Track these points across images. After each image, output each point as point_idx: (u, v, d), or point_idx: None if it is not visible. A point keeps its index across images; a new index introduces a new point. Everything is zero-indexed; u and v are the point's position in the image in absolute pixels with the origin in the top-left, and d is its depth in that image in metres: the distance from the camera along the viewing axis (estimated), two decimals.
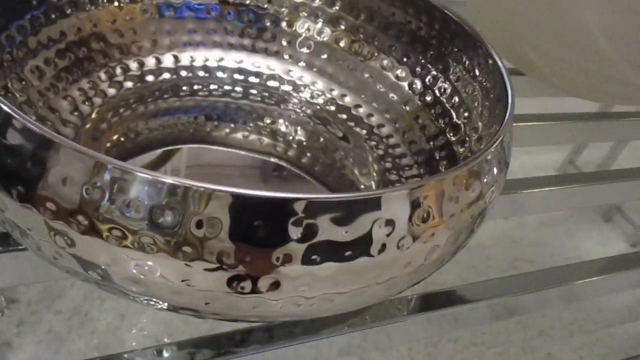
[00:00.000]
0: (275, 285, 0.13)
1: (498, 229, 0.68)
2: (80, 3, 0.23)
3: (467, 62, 0.23)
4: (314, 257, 0.13)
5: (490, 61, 0.20)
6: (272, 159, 0.26)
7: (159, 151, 0.26)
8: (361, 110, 0.26)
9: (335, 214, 0.13)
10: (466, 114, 0.23)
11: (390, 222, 0.13)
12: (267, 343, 0.18)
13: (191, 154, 0.26)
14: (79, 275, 0.13)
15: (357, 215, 0.13)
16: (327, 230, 0.13)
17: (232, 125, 0.27)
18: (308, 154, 0.27)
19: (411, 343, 0.52)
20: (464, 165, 0.15)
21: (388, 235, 0.13)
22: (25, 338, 0.45)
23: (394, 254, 0.14)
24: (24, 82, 0.20)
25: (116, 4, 0.24)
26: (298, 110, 0.27)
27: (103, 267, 0.12)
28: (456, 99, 0.23)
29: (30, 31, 0.21)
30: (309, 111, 0.27)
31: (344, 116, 0.26)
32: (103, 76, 0.24)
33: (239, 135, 0.27)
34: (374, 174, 0.24)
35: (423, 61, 0.25)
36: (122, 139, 0.25)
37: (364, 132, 0.26)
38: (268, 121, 0.27)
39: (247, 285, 0.12)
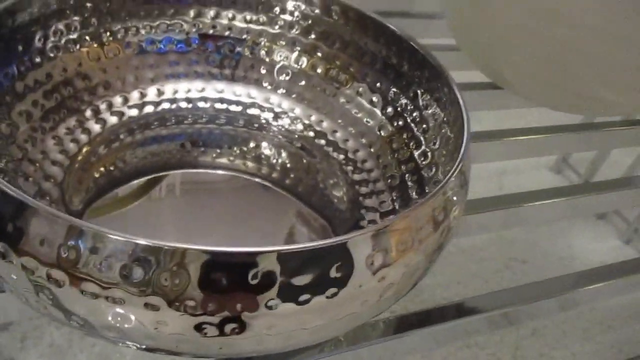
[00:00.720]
0: (241, 328, 0.14)
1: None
2: (65, 46, 0.24)
3: (433, 92, 0.24)
4: (273, 302, 0.14)
5: (451, 93, 0.21)
6: (257, 180, 0.28)
7: (149, 177, 0.27)
8: (338, 135, 0.27)
9: (294, 263, 0.14)
10: (435, 141, 0.24)
11: (346, 266, 0.15)
12: None
13: (180, 178, 0.28)
14: (63, 323, 0.14)
15: (314, 263, 0.14)
16: (287, 278, 0.14)
17: (218, 151, 0.28)
18: (292, 176, 0.28)
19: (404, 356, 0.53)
20: (421, 203, 0.17)
21: (344, 277, 0.15)
22: (28, 352, 0.47)
23: (351, 294, 0.15)
24: (12, 127, 0.22)
25: (97, 43, 0.25)
26: (280, 136, 0.28)
27: (82, 317, 0.14)
28: (425, 126, 0.24)
29: (17, 76, 0.22)
30: (289, 136, 0.28)
31: (322, 141, 0.28)
32: (88, 113, 0.25)
33: (225, 159, 0.28)
34: (346, 199, 0.25)
35: (394, 89, 0.26)
36: (112, 168, 0.26)
37: (341, 157, 0.27)
38: (252, 146, 0.28)
39: (213, 330, 0.14)
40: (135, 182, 0.26)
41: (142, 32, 0.27)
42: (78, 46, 0.25)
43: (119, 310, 0.13)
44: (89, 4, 0.24)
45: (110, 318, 0.14)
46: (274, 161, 0.28)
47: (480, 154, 0.34)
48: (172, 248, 0.13)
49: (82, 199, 0.24)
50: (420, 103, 0.25)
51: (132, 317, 0.14)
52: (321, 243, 0.15)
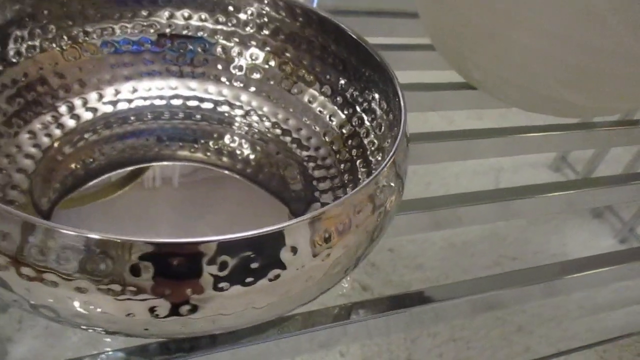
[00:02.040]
0: (193, 309, 0.16)
1: (484, 227, 0.70)
2: (40, 45, 0.26)
3: (385, 93, 0.25)
4: (222, 284, 0.16)
5: (396, 95, 0.23)
6: (227, 172, 0.29)
7: (129, 169, 0.29)
8: (302, 132, 0.29)
9: (232, 251, 0.16)
10: (387, 140, 0.25)
11: (273, 254, 0.16)
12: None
13: (159, 170, 0.29)
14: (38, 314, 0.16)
15: (242, 252, 0.16)
16: (236, 264, 0.16)
17: (194, 145, 0.30)
18: (258, 169, 0.29)
19: (390, 337, 0.55)
20: (352, 194, 0.18)
21: (264, 267, 0.16)
22: (24, 333, 0.49)
23: (273, 282, 0.17)
24: None
25: (73, 43, 0.27)
26: (249, 132, 0.30)
27: (50, 306, 0.16)
28: (380, 126, 0.26)
29: None
30: (257, 133, 0.30)
31: (288, 138, 0.29)
32: (63, 109, 0.27)
33: (197, 153, 0.30)
34: (305, 194, 0.27)
35: (354, 90, 0.27)
36: (90, 160, 0.28)
37: (304, 153, 0.28)
38: (222, 140, 0.30)
39: (164, 311, 0.16)
40: (112, 174, 0.28)
41: (118, 32, 0.28)
42: (54, 44, 0.26)
43: (84, 299, 0.15)
44: (60, 8, 0.26)
45: (77, 306, 0.15)
46: (244, 155, 0.30)
47: (477, 151, 0.36)
48: (120, 240, 0.15)
49: (57, 189, 0.26)
50: (375, 104, 0.26)
51: (97, 305, 0.15)
52: (258, 232, 0.16)
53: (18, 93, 0.25)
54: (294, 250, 0.17)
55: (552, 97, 0.31)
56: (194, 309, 0.16)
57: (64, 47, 0.26)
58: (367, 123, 0.26)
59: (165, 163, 0.29)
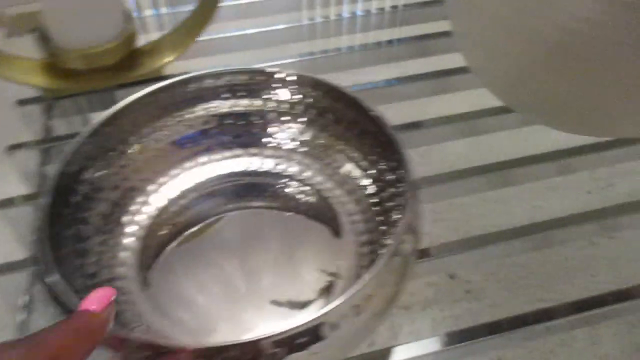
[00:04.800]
0: None
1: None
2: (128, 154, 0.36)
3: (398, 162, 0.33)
4: (293, 355, 0.25)
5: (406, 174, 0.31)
6: (288, 214, 0.38)
7: (219, 217, 0.38)
8: (337, 179, 0.38)
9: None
10: (398, 206, 0.33)
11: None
12: None
13: (239, 215, 0.38)
14: None
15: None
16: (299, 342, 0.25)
17: (257, 195, 0.39)
18: (309, 209, 0.38)
19: None
20: (371, 277, 0.27)
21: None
22: None
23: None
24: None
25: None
26: (300, 185, 0.39)
27: None
28: (392, 191, 0.34)
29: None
30: (310, 183, 0.39)
31: (328, 185, 0.38)
32: (152, 188, 0.37)
33: (266, 202, 0.38)
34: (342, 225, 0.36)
35: (375, 150, 0.36)
36: (181, 219, 0.37)
37: (342, 198, 0.37)
38: (281, 190, 0.39)
39: None
40: (204, 223, 0.37)
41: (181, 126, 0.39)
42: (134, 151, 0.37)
43: None
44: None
45: None
46: (297, 198, 0.38)
47: None
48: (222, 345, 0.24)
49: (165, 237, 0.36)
50: (391, 167, 0.34)
51: None
52: (312, 319, 0.25)
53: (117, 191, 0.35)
54: (335, 327, 0.26)
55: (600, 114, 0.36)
56: None
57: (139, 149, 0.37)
58: (387, 178, 0.35)
59: (242, 210, 0.38)
